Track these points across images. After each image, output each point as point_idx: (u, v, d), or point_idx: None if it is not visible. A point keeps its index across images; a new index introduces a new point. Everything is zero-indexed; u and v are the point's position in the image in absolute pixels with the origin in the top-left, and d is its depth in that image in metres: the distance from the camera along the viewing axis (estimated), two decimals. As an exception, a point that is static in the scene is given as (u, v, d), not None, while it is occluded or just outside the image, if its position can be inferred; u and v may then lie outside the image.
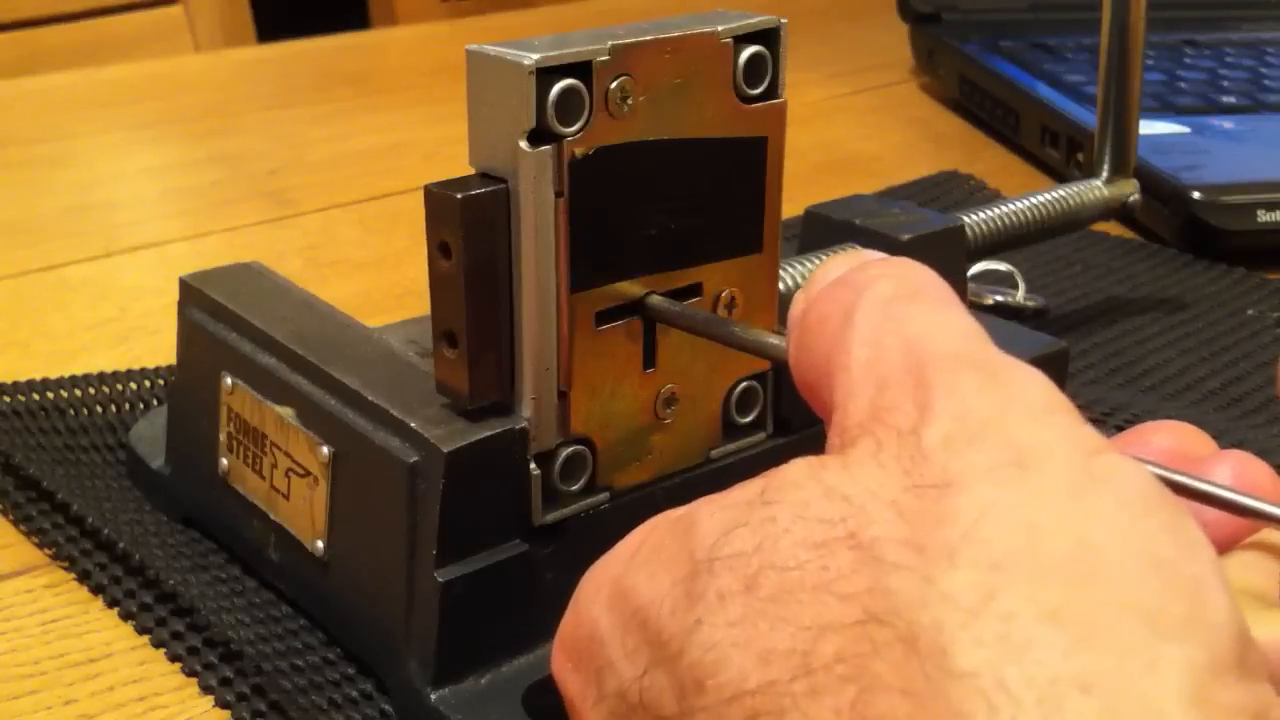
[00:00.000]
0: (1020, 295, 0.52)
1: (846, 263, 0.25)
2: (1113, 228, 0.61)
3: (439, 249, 0.29)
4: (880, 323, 0.22)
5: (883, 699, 0.17)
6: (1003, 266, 0.52)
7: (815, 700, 0.18)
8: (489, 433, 0.30)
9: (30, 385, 0.44)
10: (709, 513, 0.21)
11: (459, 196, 0.28)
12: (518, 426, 0.30)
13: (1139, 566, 0.18)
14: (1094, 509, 0.18)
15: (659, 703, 0.20)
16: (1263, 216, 0.58)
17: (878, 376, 0.21)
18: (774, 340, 0.29)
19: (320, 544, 0.32)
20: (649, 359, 0.32)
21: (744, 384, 0.34)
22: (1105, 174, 0.51)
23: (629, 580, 0.22)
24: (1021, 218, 0.47)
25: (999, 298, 0.52)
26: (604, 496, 0.32)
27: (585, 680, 0.22)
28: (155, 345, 0.50)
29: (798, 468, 0.21)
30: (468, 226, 0.29)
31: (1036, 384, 0.20)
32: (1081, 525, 0.18)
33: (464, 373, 0.30)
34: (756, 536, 0.20)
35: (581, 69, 0.28)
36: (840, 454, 0.21)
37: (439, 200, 0.29)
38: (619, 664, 0.21)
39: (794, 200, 0.38)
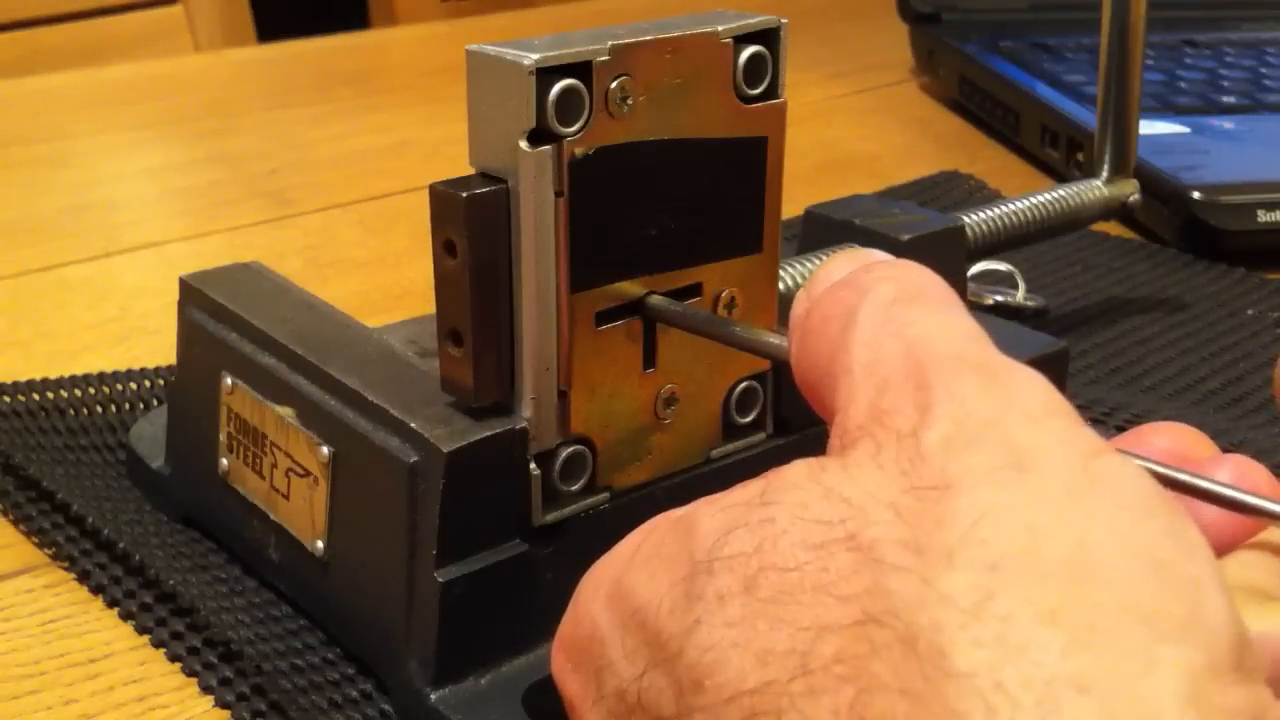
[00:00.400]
0: (1020, 295, 0.52)
1: (849, 262, 0.25)
2: (1113, 228, 0.61)
3: (444, 247, 0.29)
4: (881, 325, 0.22)
5: (881, 699, 0.17)
6: (1003, 266, 0.52)
7: (813, 700, 0.18)
8: (489, 433, 0.30)
9: (30, 385, 0.44)
10: (709, 513, 0.21)
11: (464, 195, 0.28)
12: (518, 426, 0.30)
13: (1137, 568, 0.18)
14: (1093, 511, 0.18)
15: (657, 703, 0.20)
16: (1263, 216, 0.58)
17: (878, 379, 0.21)
18: (775, 340, 0.29)
19: (320, 544, 0.32)
20: (649, 359, 0.32)
21: (744, 384, 0.34)
22: (1105, 174, 0.51)
23: (628, 580, 0.22)
24: (1021, 218, 0.47)
25: (999, 298, 0.52)
26: (604, 496, 0.32)
27: (585, 680, 0.22)
28: (155, 345, 0.50)
29: (798, 469, 0.21)
30: (473, 225, 0.29)
31: (1036, 386, 0.20)
32: (1080, 527, 0.18)
33: (469, 370, 0.30)
34: (756, 537, 0.20)
35: (581, 69, 0.28)
36: (840, 456, 0.21)
37: (444, 199, 0.29)
38: (618, 664, 0.21)
39: (794, 200, 0.38)
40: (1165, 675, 0.17)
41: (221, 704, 0.32)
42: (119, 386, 0.45)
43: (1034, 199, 0.48)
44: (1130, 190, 0.51)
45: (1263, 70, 0.77)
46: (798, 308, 0.25)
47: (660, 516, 0.23)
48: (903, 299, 0.22)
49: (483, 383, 0.30)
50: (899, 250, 0.40)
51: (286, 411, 0.33)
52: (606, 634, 0.22)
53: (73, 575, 0.36)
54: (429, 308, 0.31)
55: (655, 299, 0.31)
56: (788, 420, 0.35)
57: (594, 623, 0.22)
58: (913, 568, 0.18)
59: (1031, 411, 0.20)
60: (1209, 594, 0.18)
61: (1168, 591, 0.17)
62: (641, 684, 0.21)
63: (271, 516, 0.34)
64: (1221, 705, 0.17)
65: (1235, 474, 0.25)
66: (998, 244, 0.47)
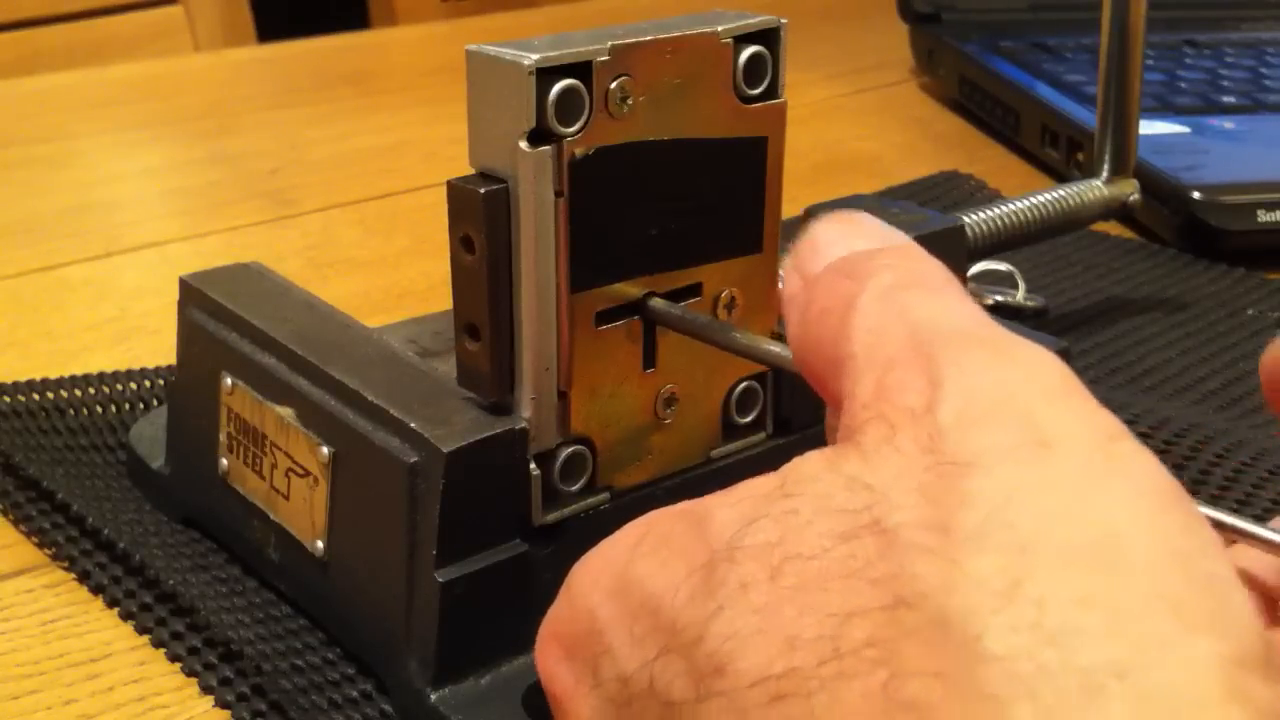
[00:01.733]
0: (1020, 295, 0.52)
1: (838, 233, 0.25)
2: (1113, 228, 0.61)
3: (462, 243, 0.29)
4: (882, 309, 0.22)
5: (914, 682, 0.17)
6: (1003, 266, 0.52)
7: (845, 683, 0.18)
8: (489, 433, 0.30)
9: (30, 385, 0.44)
10: (723, 504, 0.21)
11: (483, 191, 0.29)
12: (518, 426, 0.30)
13: (1163, 557, 0.18)
14: (1117, 496, 0.18)
15: (670, 687, 0.20)
16: (1263, 216, 0.58)
17: (883, 359, 0.21)
18: (775, 348, 0.29)
19: (320, 544, 0.32)
20: (649, 359, 0.32)
21: (744, 384, 0.34)
22: (1105, 174, 0.51)
23: (635, 571, 0.22)
24: (1021, 218, 0.47)
25: (999, 298, 0.52)
26: (604, 496, 0.32)
27: (580, 669, 0.22)
28: (155, 345, 0.50)
29: (814, 461, 0.21)
30: (491, 220, 0.29)
31: (1051, 363, 0.20)
32: (1105, 512, 0.18)
33: (487, 364, 0.30)
34: (779, 528, 0.20)
35: (581, 69, 0.28)
36: (855, 443, 0.20)
37: (463, 195, 0.29)
38: (622, 651, 0.21)
39: (794, 200, 0.38)
40: (1203, 666, 0.16)
41: (221, 704, 0.32)
42: (119, 386, 0.45)
43: (1034, 199, 0.48)
44: (1130, 190, 0.51)
45: (1263, 70, 0.77)
46: (790, 284, 0.25)
47: (656, 512, 0.23)
48: (902, 284, 0.22)
49: (500, 376, 0.30)
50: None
51: (286, 412, 0.33)
52: (607, 623, 0.22)
53: (73, 575, 0.36)
54: (429, 308, 0.31)
55: (656, 301, 0.31)
56: (788, 420, 0.35)
57: (593, 613, 0.22)
58: (940, 550, 0.18)
59: (1049, 388, 0.20)
60: (1232, 589, 0.18)
61: (1194, 583, 0.17)
62: (653, 669, 0.20)
63: (271, 516, 0.34)
64: (1257, 700, 0.16)
65: None
66: (998, 244, 0.47)
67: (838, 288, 0.23)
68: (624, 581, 0.22)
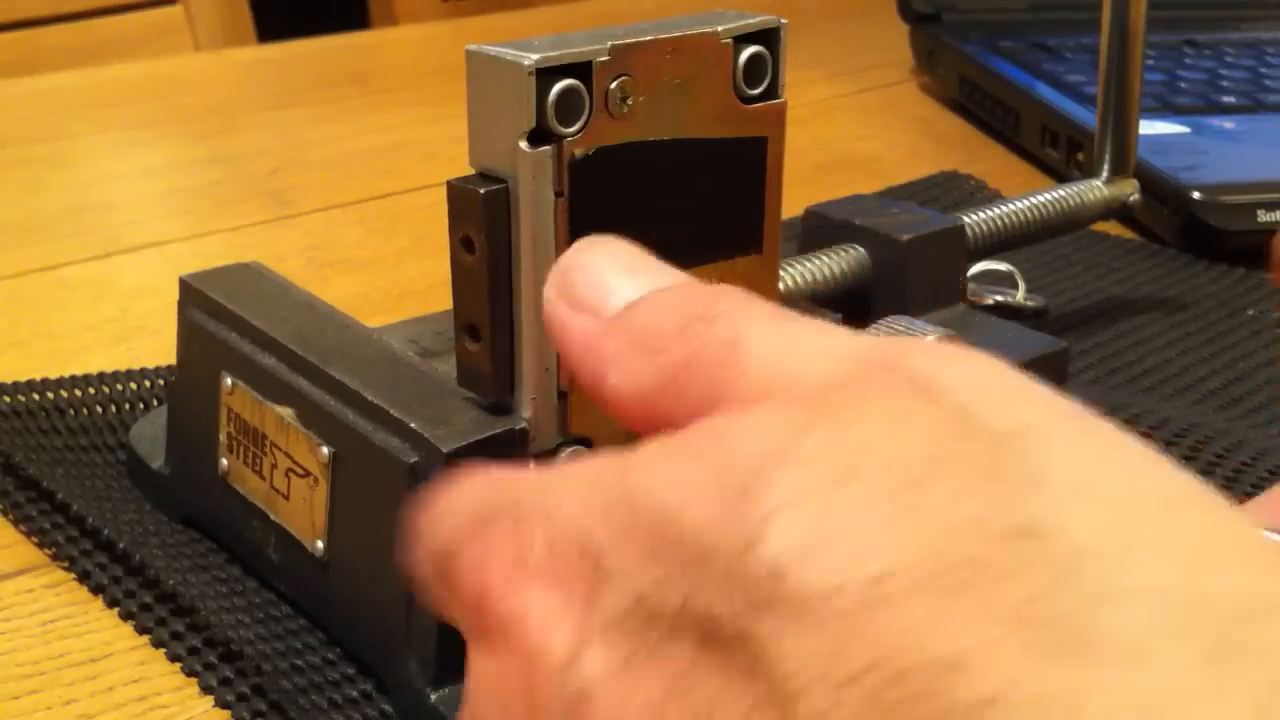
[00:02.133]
0: (1020, 295, 0.52)
1: (603, 259, 0.24)
2: (1113, 228, 0.61)
3: (462, 243, 0.29)
4: (783, 343, 0.21)
5: (1058, 601, 0.16)
6: (1003, 266, 0.52)
7: (966, 594, 0.17)
8: (489, 433, 0.30)
9: (30, 385, 0.44)
10: (739, 420, 0.20)
11: (482, 191, 0.29)
12: (518, 427, 0.30)
13: (1221, 511, 0.18)
14: (1150, 458, 0.18)
15: (711, 603, 0.18)
16: (1263, 216, 0.58)
17: (819, 377, 0.20)
18: None
19: (320, 544, 0.32)
20: (649, 359, 0.32)
21: (744, 384, 0.34)
22: (1105, 174, 0.51)
23: (639, 485, 0.20)
24: (1021, 218, 0.47)
25: (999, 298, 0.52)
26: (604, 496, 0.32)
27: (562, 600, 0.20)
28: (155, 345, 0.50)
29: (845, 390, 0.19)
30: (491, 220, 0.29)
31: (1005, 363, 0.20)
32: (1156, 472, 0.18)
33: (488, 364, 0.30)
34: (838, 441, 0.18)
35: (581, 69, 0.28)
36: (878, 384, 0.19)
37: (463, 195, 0.29)
38: (633, 573, 0.19)
39: (794, 200, 0.38)
40: None
41: (221, 704, 0.32)
42: (119, 386, 0.45)
43: (1034, 199, 0.48)
44: (1130, 190, 0.51)
45: (1263, 70, 0.77)
46: (577, 323, 0.23)
47: (632, 447, 0.21)
48: (779, 316, 0.21)
49: (500, 376, 0.30)
50: (899, 250, 0.40)
51: (286, 412, 0.33)
52: (608, 544, 0.20)
53: (73, 575, 0.36)
54: (429, 308, 0.31)
55: (655, 299, 0.31)
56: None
57: (585, 535, 0.20)
58: (1040, 499, 0.17)
59: (1029, 379, 0.20)
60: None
61: (1254, 534, 0.18)
62: (688, 583, 0.19)
63: (271, 516, 0.34)
64: None
65: None
66: (998, 244, 0.47)
67: (702, 333, 0.22)
68: (623, 497, 0.20)
